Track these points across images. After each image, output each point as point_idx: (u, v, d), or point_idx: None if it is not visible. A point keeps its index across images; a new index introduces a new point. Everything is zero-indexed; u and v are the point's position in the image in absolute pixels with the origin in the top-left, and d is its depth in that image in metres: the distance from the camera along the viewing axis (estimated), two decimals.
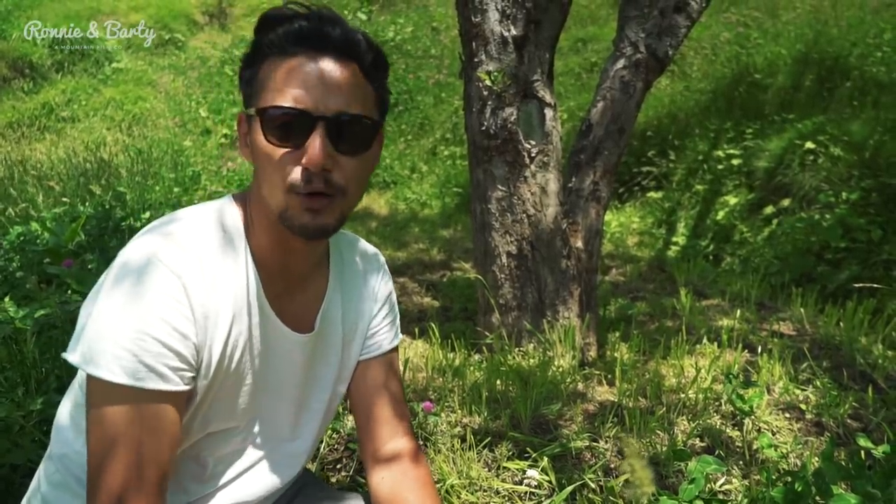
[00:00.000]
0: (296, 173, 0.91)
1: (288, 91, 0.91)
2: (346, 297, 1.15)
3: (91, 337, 0.87)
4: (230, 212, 1.02)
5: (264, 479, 1.10)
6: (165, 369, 0.88)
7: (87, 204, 4.40)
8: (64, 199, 4.76)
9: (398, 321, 1.27)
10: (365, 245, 1.24)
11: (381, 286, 1.22)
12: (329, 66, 0.93)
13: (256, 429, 1.08)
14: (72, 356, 0.89)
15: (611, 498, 1.60)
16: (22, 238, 3.22)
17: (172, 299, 0.89)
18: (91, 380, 0.87)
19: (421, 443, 1.87)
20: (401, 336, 1.28)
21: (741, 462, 1.76)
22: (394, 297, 1.26)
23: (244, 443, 1.07)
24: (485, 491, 1.67)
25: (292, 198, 0.92)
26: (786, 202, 4.86)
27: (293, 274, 1.05)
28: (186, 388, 0.92)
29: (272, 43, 0.94)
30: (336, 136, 0.92)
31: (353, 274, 1.17)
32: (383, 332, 1.21)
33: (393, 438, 1.16)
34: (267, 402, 1.07)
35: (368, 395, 1.19)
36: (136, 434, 0.87)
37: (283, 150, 0.92)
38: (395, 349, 1.25)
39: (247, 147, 1.00)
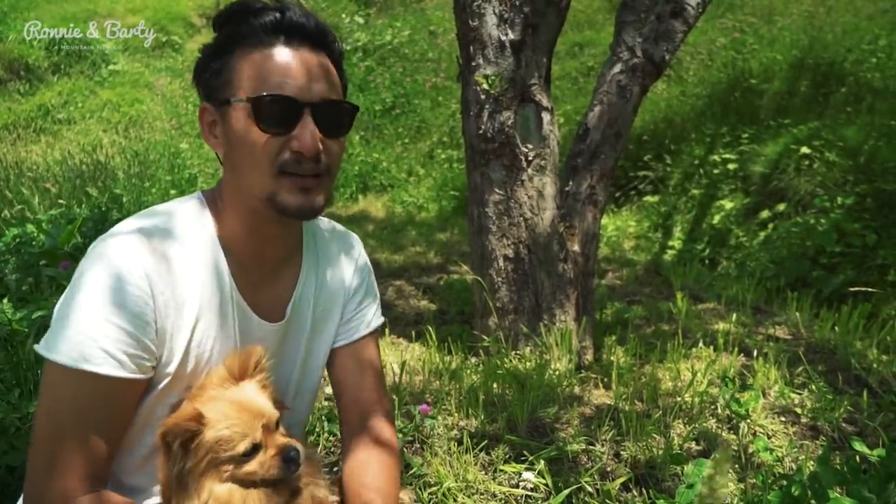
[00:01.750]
0: (285, 156, 0.95)
1: (271, 79, 0.94)
2: (319, 282, 1.16)
3: (56, 325, 0.90)
4: (201, 209, 1.03)
5: None
6: (124, 356, 0.90)
7: (83, 206, 4.39)
8: (60, 201, 4.75)
9: (377, 302, 1.26)
10: (339, 228, 1.25)
11: (357, 269, 1.22)
12: (308, 56, 0.97)
13: None
14: (40, 347, 0.91)
15: (607, 501, 1.60)
16: (18, 240, 3.21)
17: (135, 288, 0.91)
18: (49, 363, 0.89)
19: (417, 445, 1.87)
20: (381, 317, 1.27)
21: (737, 466, 1.77)
22: (371, 279, 1.26)
23: None
24: (481, 494, 1.67)
25: (283, 180, 0.96)
26: (781, 207, 4.88)
27: (268, 261, 1.07)
28: (143, 377, 0.93)
29: (246, 34, 0.97)
30: (322, 121, 0.96)
31: (327, 258, 1.18)
32: (359, 318, 1.21)
33: (368, 423, 1.18)
34: None
35: (348, 381, 1.21)
36: (85, 419, 0.89)
37: (271, 136, 0.95)
38: (375, 332, 1.24)
39: (215, 137, 1.02)
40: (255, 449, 0.94)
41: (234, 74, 0.97)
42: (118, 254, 0.92)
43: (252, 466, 0.94)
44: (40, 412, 0.91)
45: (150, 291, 0.92)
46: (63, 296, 0.93)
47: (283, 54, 0.96)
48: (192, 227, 1.00)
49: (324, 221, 1.23)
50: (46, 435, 0.90)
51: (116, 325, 0.89)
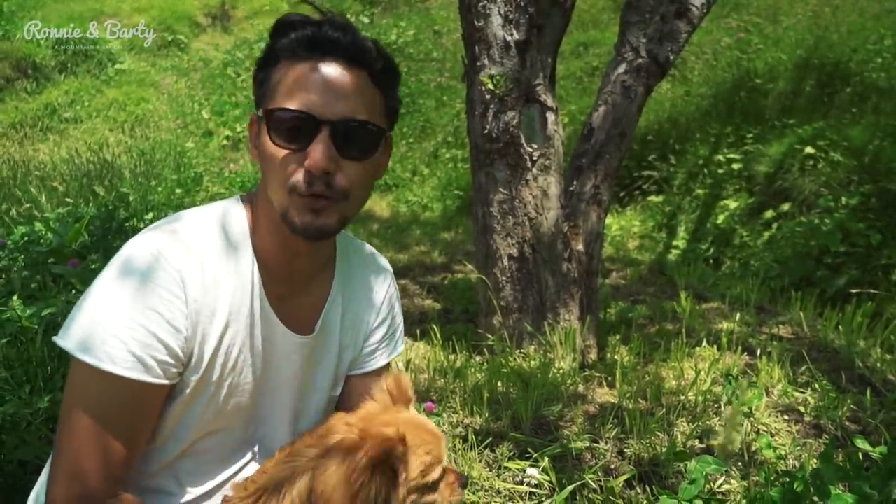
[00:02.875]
0: (298, 175, 0.93)
1: (296, 94, 0.93)
2: (347, 303, 1.15)
3: (83, 323, 0.89)
4: (236, 213, 1.03)
5: None
6: (152, 361, 0.89)
7: (90, 204, 4.42)
8: (67, 200, 4.78)
9: (399, 334, 1.26)
10: (375, 255, 1.24)
11: (385, 301, 1.21)
12: (338, 72, 0.94)
13: (255, 430, 1.09)
14: (63, 341, 0.89)
15: (611, 498, 1.62)
16: (26, 238, 3.23)
17: (168, 292, 0.90)
18: (76, 362, 0.89)
19: None
20: (402, 347, 1.27)
21: (740, 463, 1.78)
22: (397, 310, 1.25)
23: (243, 444, 1.08)
24: (486, 490, 1.69)
25: (294, 198, 0.94)
26: (786, 206, 4.88)
27: (297, 275, 1.06)
28: (168, 382, 0.93)
29: (285, 47, 0.96)
30: (341, 140, 0.93)
31: (358, 281, 1.17)
32: (380, 351, 1.22)
33: None
34: (266, 404, 1.08)
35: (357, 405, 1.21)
36: (109, 421, 0.89)
37: (287, 152, 0.93)
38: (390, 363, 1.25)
39: (255, 148, 1.02)
40: (441, 476, 0.88)
41: (269, 87, 0.97)
42: (153, 256, 0.91)
43: (434, 496, 0.88)
44: (66, 411, 0.91)
45: (183, 297, 0.92)
46: (91, 289, 0.91)
47: (311, 69, 0.94)
48: (227, 231, 1.00)
49: (362, 246, 1.22)
50: (71, 434, 0.89)
51: (147, 330, 0.89)
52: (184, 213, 1.03)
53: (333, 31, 0.96)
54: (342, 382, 1.20)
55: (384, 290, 1.22)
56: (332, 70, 0.94)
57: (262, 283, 1.01)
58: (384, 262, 1.25)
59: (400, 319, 1.27)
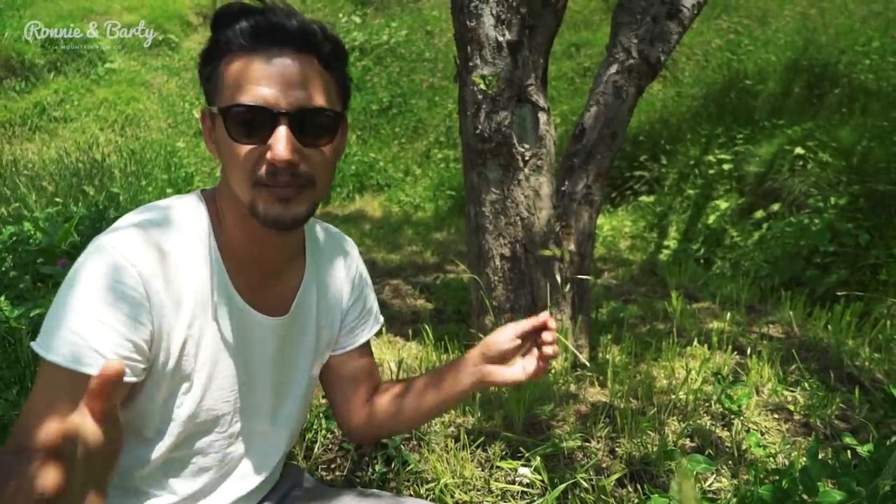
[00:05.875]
0: (261, 168, 0.92)
1: (248, 88, 0.91)
2: (321, 285, 1.16)
3: (50, 323, 0.89)
4: (198, 207, 1.03)
5: (248, 471, 1.12)
6: (115, 358, 0.89)
7: (80, 204, 4.39)
8: (57, 199, 4.75)
9: (376, 309, 1.28)
10: (338, 234, 1.26)
11: (356, 279, 1.24)
12: (287, 61, 0.93)
13: (238, 420, 1.08)
14: (35, 343, 0.91)
15: (602, 497, 1.62)
16: (14, 238, 3.22)
17: (129, 288, 0.90)
18: (43, 361, 0.89)
19: (415, 443, 1.89)
20: (381, 320, 1.30)
21: (730, 462, 1.79)
22: (368, 286, 1.27)
23: (227, 437, 1.08)
24: (478, 490, 1.69)
25: (260, 190, 0.93)
26: (775, 207, 4.92)
27: (268, 265, 1.06)
28: (134, 378, 0.93)
29: (229, 39, 0.94)
30: (299, 129, 0.93)
31: (329, 263, 1.19)
32: (360, 328, 1.24)
33: (367, 402, 1.25)
34: (247, 392, 1.08)
35: (346, 381, 1.24)
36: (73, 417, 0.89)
37: (248, 147, 0.92)
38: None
39: (213, 143, 1.01)
40: None
41: (219, 81, 0.96)
42: (112, 253, 0.91)
43: None
44: (29, 409, 0.90)
45: (144, 293, 0.91)
46: (58, 292, 0.93)
47: (260, 60, 0.92)
48: (189, 224, 1.00)
49: (325, 227, 1.24)
50: (30, 412, 0.89)
51: (110, 327, 0.89)
52: (147, 206, 1.03)
53: (278, 18, 0.94)
54: (321, 364, 1.21)
55: (354, 268, 1.24)
56: (281, 59, 0.93)
57: (227, 274, 1.01)
58: (349, 239, 1.28)
59: (373, 296, 1.29)
